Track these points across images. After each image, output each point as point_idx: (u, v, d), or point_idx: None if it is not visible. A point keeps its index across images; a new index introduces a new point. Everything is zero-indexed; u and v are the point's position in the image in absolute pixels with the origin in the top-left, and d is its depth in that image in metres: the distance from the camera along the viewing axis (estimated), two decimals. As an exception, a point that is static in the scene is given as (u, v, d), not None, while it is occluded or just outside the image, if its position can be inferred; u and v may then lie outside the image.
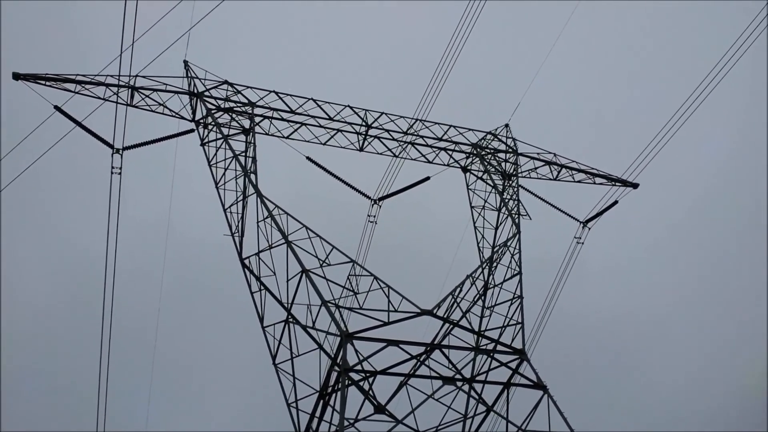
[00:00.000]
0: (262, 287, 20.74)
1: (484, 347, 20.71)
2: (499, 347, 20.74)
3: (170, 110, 25.60)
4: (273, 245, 21.03)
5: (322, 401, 19.18)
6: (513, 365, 20.30)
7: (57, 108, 24.20)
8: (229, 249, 22.14)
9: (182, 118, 25.77)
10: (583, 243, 29.34)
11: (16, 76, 23.76)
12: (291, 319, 19.94)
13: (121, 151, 24.46)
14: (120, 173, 24.42)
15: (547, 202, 29.09)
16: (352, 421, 17.62)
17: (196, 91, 25.77)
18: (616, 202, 29.14)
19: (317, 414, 19.27)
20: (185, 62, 27.49)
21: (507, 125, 29.53)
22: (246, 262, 21.30)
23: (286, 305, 20.01)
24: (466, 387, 19.94)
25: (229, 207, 22.71)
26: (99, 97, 24.45)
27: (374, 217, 29.74)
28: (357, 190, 28.90)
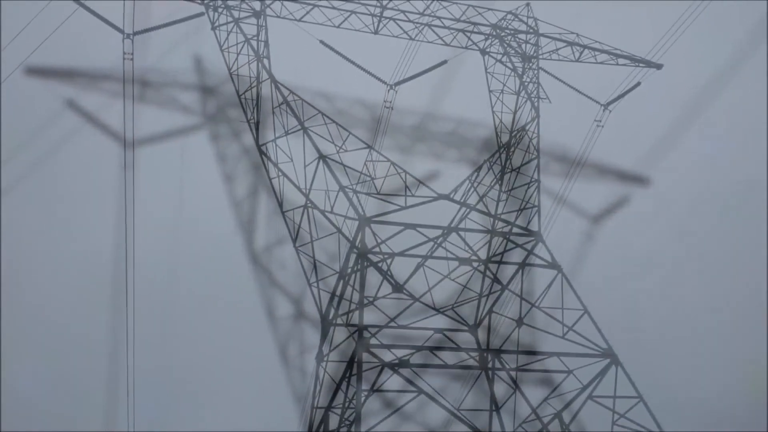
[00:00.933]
0: (280, 173, 20.88)
1: (500, 230, 20.99)
2: (515, 229, 21.03)
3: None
4: (289, 131, 20.96)
5: (342, 281, 19.82)
6: (528, 247, 20.66)
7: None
8: (235, 249, 21.82)
9: (191, 0, 24.93)
10: (603, 126, 28.88)
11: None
12: (309, 204, 20.23)
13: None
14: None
15: (568, 85, 28.39)
16: (371, 299, 18.26)
17: (203, -28, 24.76)
18: (638, 84, 28.35)
19: (337, 294, 19.99)
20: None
21: (528, 4, 28.30)
22: (263, 148, 21.34)
23: (304, 191, 20.23)
24: (482, 268, 20.44)
25: (244, 93, 22.46)
26: None
27: (390, 102, 29.32)
28: (373, 75, 28.34)
